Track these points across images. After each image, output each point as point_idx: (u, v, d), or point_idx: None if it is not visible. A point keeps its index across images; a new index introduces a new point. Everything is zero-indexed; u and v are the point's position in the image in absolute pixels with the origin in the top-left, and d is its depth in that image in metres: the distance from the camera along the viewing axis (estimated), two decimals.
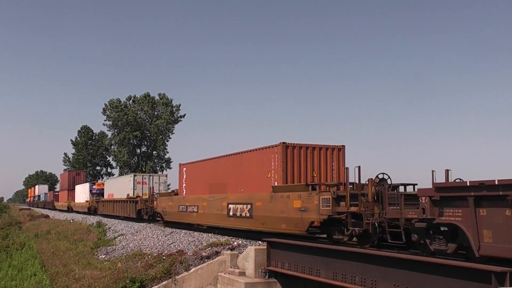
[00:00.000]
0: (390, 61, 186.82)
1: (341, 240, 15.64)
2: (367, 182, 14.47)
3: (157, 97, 75.06)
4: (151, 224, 33.75)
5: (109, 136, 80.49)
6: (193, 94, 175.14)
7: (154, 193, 35.75)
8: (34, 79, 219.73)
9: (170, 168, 75.88)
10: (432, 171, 12.89)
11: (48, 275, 23.06)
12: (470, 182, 10.71)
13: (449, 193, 11.30)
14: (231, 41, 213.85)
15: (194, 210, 25.44)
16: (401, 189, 15.17)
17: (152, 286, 18.08)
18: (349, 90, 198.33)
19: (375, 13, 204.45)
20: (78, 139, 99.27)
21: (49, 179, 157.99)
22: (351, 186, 15.66)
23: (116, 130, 74.39)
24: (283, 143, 18.90)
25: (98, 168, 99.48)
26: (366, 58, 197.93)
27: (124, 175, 52.14)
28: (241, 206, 20.75)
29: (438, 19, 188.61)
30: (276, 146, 19.22)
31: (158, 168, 74.51)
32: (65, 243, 32.86)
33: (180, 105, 75.02)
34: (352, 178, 15.96)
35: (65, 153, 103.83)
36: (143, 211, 35.91)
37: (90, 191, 55.30)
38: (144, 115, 74.17)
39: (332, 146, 19.85)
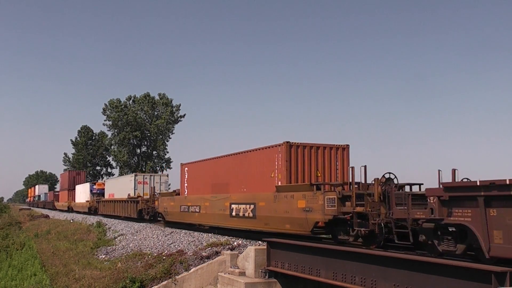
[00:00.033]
0: (390, 61, 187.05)
1: (347, 240, 15.37)
2: (373, 182, 14.21)
3: (157, 97, 75.07)
4: (151, 224, 33.71)
5: (109, 136, 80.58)
6: (193, 94, 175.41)
7: (156, 193, 35.45)
8: (34, 79, 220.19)
9: (170, 168, 76.00)
10: (439, 170, 12.72)
11: (48, 275, 23.01)
12: (480, 181, 10.45)
13: (459, 193, 11.05)
14: (231, 41, 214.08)
15: (196, 210, 25.21)
16: (407, 188, 14.87)
17: (152, 286, 18.04)
18: (349, 90, 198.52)
19: (375, 13, 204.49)
20: (78, 139, 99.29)
21: (49, 179, 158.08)
22: (356, 186, 15.42)
23: (116, 130, 74.38)
24: (287, 142, 18.68)
25: (98, 168, 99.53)
26: (366, 58, 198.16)
27: (125, 175, 51.90)
28: (244, 206, 20.51)
29: (438, 19, 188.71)
30: (279, 146, 18.98)
31: (158, 168, 74.52)
32: (65, 243, 32.82)
33: (180, 105, 75.10)
34: (357, 178, 15.77)
35: (65, 153, 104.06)
36: (144, 211, 35.59)
37: (91, 191, 55.17)
38: (144, 115, 74.16)
39: (336, 145, 19.61)
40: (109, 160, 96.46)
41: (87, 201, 55.50)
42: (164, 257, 20.25)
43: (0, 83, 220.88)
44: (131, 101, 74.92)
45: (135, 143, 75.23)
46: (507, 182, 9.90)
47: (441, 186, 11.67)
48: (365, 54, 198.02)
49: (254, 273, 16.48)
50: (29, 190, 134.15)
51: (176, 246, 22.23)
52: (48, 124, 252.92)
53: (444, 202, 11.39)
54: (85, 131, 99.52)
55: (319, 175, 19.07)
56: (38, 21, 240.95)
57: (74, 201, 64.90)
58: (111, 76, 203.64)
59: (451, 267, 10.31)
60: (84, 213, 56.15)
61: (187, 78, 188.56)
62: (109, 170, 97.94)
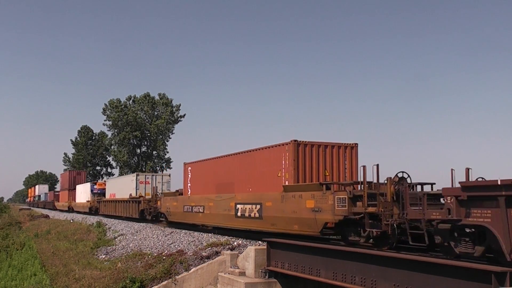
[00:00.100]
0: (390, 61, 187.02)
1: (358, 242, 14.94)
2: (385, 181, 13.69)
3: (157, 97, 75.08)
4: (151, 224, 33.66)
5: (109, 136, 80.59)
6: (193, 94, 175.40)
7: (158, 193, 35.03)
8: (34, 79, 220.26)
9: (170, 168, 76.01)
10: (452, 169, 12.36)
11: (48, 275, 23.02)
12: (501, 180, 10.05)
13: (478, 193, 10.61)
14: (231, 41, 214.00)
15: (200, 210, 24.75)
16: (418, 188, 14.59)
17: (152, 286, 18.04)
18: (349, 90, 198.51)
19: (375, 13, 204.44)
20: (78, 139, 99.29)
21: (49, 179, 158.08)
22: (367, 185, 14.77)
23: (116, 130, 74.38)
24: (294, 140, 18.23)
25: (98, 168, 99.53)
26: (366, 58, 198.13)
27: (127, 175, 51.62)
28: (249, 206, 20.06)
29: (438, 19, 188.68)
30: (287, 144, 18.51)
31: (158, 168, 74.50)
32: (65, 243, 32.82)
33: (180, 105, 75.10)
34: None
35: (65, 153, 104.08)
36: (146, 212, 35.13)
37: (91, 191, 54.83)
38: (144, 115, 74.15)
39: (345, 144, 19.13)
40: (109, 160, 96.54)
41: (88, 201, 55.23)
42: (164, 257, 20.24)
43: (0, 83, 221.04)
44: (131, 101, 74.94)
45: (135, 143, 75.23)
46: None
47: (459, 185, 11.22)
48: (365, 54, 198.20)
49: (254, 273, 16.48)
50: (29, 190, 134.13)
51: (176, 246, 22.22)
52: (48, 124, 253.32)
53: (462, 202, 10.99)
54: (85, 131, 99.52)
55: (327, 174, 18.64)
56: (38, 21, 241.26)
57: (75, 201, 64.75)
58: (111, 76, 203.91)
59: (451, 267, 10.32)
60: (85, 213, 55.90)
61: (187, 78, 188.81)
62: (109, 170, 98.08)
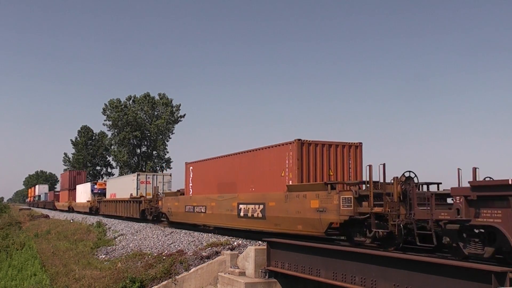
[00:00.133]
0: (390, 61, 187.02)
1: (363, 242, 14.73)
2: (392, 181, 13.48)
3: (157, 97, 75.13)
4: (151, 224, 33.63)
5: (109, 136, 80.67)
6: (193, 94, 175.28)
7: (159, 193, 34.76)
8: (34, 79, 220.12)
9: (170, 168, 76.04)
10: (458, 169, 12.18)
11: (48, 275, 23.01)
12: None
13: (488, 192, 10.45)
14: (231, 41, 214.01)
15: (202, 210, 24.53)
16: (423, 188, 14.44)
17: (152, 286, 18.04)
18: (349, 90, 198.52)
19: (375, 13, 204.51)
20: (78, 139, 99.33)
21: (49, 179, 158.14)
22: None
23: (116, 130, 74.40)
24: (298, 140, 18.00)
25: (98, 168, 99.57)
26: (366, 58, 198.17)
27: (128, 175, 51.43)
28: (252, 206, 19.82)
29: (438, 19, 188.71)
30: (290, 144, 18.29)
31: (158, 168, 74.53)
32: (65, 243, 32.81)
33: (180, 105, 75.16)
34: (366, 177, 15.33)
35: (65, 153, 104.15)
36: (147, 212, 34.87)
37: (92, 191, 54.62)
38: (144, 115, 74.19)
39: (349, 143, 18.91)
40: (109, 160, 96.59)
41: (88, 201, 55.05)
42: (164, 257, 20.24)
43: (0, 83, 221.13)
44: (131, 101, 74.99)
45: (135, 143, 75.25)
46: None
47: (467, 185, 11.06)
48: (365, 54, 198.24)
49: (254, 273, 16.48)
50: (29, 190, 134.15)
51: (176, 246, 22.22)
52: (48, 124, 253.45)
53: (471, 202, 10.84)
54: (85, 131, 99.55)
55: (332, 174, 18.40)
56: (38, 21, 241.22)
57: (75, 201, 64.64)
58: (111, 76, 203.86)
59: (451, 267, 10.31)
60: (85, 213, 55.77)
61: (187, 78, 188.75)
62: (109, 170, 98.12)
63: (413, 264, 11.15)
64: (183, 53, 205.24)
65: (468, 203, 10.89)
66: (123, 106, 73.41)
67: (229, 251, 18.30)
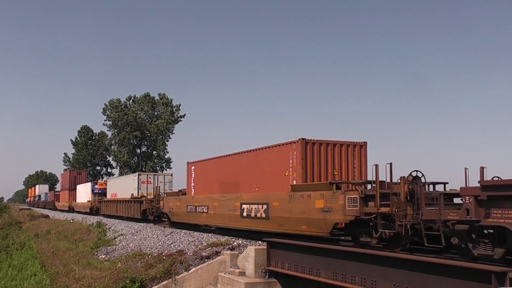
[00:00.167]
0: (390, 61, 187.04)
1: (369, 243, 14.46)
2: (399, 181, 13.24)
3: (157, 97, 75.14)
4: (152, 224, 33.61)
5: (109, 136, 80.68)
6: (193, 94, 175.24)
7: (160, 193, 34.52)
8: (34, 79, 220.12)
9: (170, 168, 76.07)
10: (465, 168, 11.99)
11: (48, 275, 23.02)
12: None
13: (499, 192, 10.21)
14: (231, 41, 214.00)
15: (204, 210, 24.32)
16: (430, 188, 14.34)
17: (152, 286, 18.05)
18: (349, 90, 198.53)
19: (375, 13, 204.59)
20: (78, 139, 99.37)
21: (49, 179, 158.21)
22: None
23: (116, 130, 74.41)
24: (302, 139, 17.78)
25: (98, 168, 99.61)
26: (366, 58, 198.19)
27: (128, 174, 51.20)
28: (256, 206, 19.61)
29: (438, 19, 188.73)
30: (294, 143, 18.06)
31: (158, 168, 74.56)
32: (65, 243, 32.82)
33: (180, 105, 75.17)
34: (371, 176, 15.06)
35: (65, 153, 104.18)
36: (148, 212, 34.65)
37: (92, 190, 54.42)
38: (144, 115, 74.20)
39: (354, 142, 18.69)
40: (109, 160, 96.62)
41: (89, 201, 54.90)
42: (164, 257, 20.25)
43: (0, 83, 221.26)
44: (131, 101, 75.00)
45: (135, 143, 75.27)
46: None
47: (478, 184, 10.86)
48: (365, 54, 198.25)
49: (254, 273, 16.48)
50: (29, 190, 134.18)
51: (176, 246, 22.22)
52: (48, 124, 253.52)
53: (481, 202, 10.64)
54: (85, 131, 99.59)
55: (336, 173, 18.19)
56: (38, 21, 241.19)
57: (75, 201, 64.57)
58: (111, 76, 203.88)
59: (451, 267, 10.31)
60: (86, 213, 55.69)
61: (187, 78, 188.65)
62: (109, 170, 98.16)
63: (413, 264, 11.15)
64: (183, 53, 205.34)
65: (478, 203, 10.71)
66: (123, 106, 73.43)
67: (229, 251, 18.30)
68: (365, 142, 18.88)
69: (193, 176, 26.85)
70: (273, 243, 16.62)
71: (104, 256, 25.67)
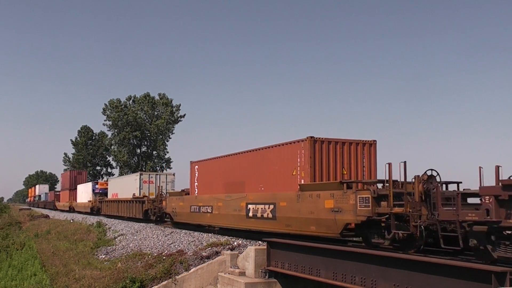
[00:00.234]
0: (390, 61, 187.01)
1: (381, 244, 14.05)
2: (413, 180, 12.85)
3: (157, 97, 75.19)
4: (152, 224, 33.58)
5: (109, 136, 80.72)
6: (193, 94, 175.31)
7: (163, 193, 34.23)
8: (34, 79, 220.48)
9: (170, 168, 76.08)
10: (480, 167, 11.70)
11: (48, 275, 23.03)
12: None
13: None
14: (231, 41, 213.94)
15: (208, 210, 23.89)
16: (443, 187, 13.97)
17: (152, 286, 18.04)
18: (349, 90, 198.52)
19: (375, 13, 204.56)
20: (78, 139, 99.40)
21: (49, 179, 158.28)
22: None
23: (116, 130, 74.44)
24: (311, 137, 17.34)
25: (98, 168, 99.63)
26: (366, 58, 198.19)
27: (130, 174, 50.91)
28: (262, 206, 19.16)
29: (438, 19, 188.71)
30: (302, 141, 17.65)
31: (158, 168, 74.57)
32: (65, 243, 32.82)
33: (180, 105, 75.27)
34: (380, 175, 14.87)
35: (65, 153, 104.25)
36: (150, 212, 34.38)
37: (93, 190, 54.11)
38: (144, 115, 74.23)
39: (363, 141, 18.29)
40: (109, 160, 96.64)
41: (89, 201, 54.61)
42: (164, 257, 20.24)
43: (0, 83, 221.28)
44: (131, 101, 75.05)
45: (135, 143, 75.30)
46: None
47: (499, 184, 10.49)
48: (365, 54, 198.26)
49: (254, 273, 16.47)
50: (30, 190, 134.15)
51: (176, 246, 22.22)
52: (48, 124, 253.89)
53: (502, 202, 10.27)
54: (85, 131, 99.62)
55: (345, 172, 17.79)
56: (38, 21, 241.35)
57: (76, 201, 64.42)
58: (111, 76, 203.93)
59: (451, 267, 10.30)
60: (86, 213, 55.50)
61: (187, 78, 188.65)
62: (109, 170, 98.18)
63: (413, 264, 11.14)
64: (183, 53, 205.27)
65: (499, 203, 10.36)
66: (123, 106, 73.45)
67: (229, 251, 18.29)
68: (375, 141, 18.54)
69: (196, 175, 26.45)
70: (273, 243, 16.61)
71: (104, 256, 25.67)
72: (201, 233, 24.33)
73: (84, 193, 58.93)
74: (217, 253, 18.70)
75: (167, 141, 75.26)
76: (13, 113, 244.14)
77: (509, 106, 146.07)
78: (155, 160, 75.97)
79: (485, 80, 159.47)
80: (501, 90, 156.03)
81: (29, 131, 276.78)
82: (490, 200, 10.46)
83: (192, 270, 18.01)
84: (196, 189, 26.40)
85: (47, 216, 63.43)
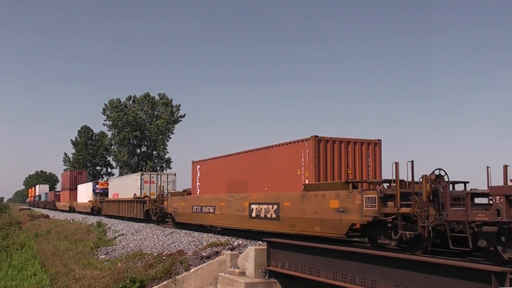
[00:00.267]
0: (390, 61, 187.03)
1: (388, 245, 13.84)
2: (420, 180, 12.66)
3: (157, 97, 75.19)
4: (152, 224, 33.56)
5: (109, 136, 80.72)
6: (193, 94, 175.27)
7: (165, 193, 34.08)
8: (34, 79, 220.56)
9: (170, 168, 76.07)
10: (487, 167, 11.56)
11: (48, 275, 23.03)
12: None
13: None
14: (231, 41, 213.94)
15: (210, 210, 23.69)
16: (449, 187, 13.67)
17: (152, 286, 18.04)
18: (349, 90, 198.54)
19: (375, 13, 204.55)
20: (78, 139, 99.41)
21: (49, 179, 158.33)
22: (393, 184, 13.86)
23: (116, 130, 74.45)
24: (315, 136, 17.18)
25: (98, 168, 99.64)
26: (366, 58, 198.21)
27: (131, 174, 50.86)
28: (265, 206, 18.97)
29: (438, 19, 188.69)
30: (307, 140, 17.45)
31: (158, 168, 74.57)
32: (65, 243, 32.82)
33: (180, 105, 75.27)
34: (386, 175, 14.76)
35: (65, 153, 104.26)
36: (151, 212, 34.20)
37: (93, 190, 53.93)
38: (144, 115, 74.23)
39: (368, 140, 18.09)
40: (109, 160, 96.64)
41: (90, 201, 54.46)
42: (164, 257, 20.24)
43: (0, 83, 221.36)
44: (131, 101, 75.05)
45: (135, 143, 75.30)
46: None
47: (510, 183, 10.39)
48: (365, 54, 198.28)
49: (254, 273, 16.47)
50: (30, 190, 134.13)
51: (176, 246, 22.21)
52: (48, 124, 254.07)
53: None
54: (85, 131, 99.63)
55: (350, 172, 17.60)
56: (38, 21, 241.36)
57: (76, 201, 64.33)
58: (111, 76, 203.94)
59: (451, 267, 10.30)
60: (87, 213, 55.40)
61: (187, 78, 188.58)
62: (109, 170, 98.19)
63: (413, 264, 11.14)
64: (183, 53, 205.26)
65: (510, 203, 10.26)
66: (123, 106, 73.45)
67: (229, 251, 18.29)
68: (380, 140, 18.37)
69: (198, 175, 26.23)
70: (273, 243, 16.61)
71: (104, 256, 25.67)
72: (201, 233, 24.31)
73: (85, 193, 58.85)
74: (217, 253, 18.70)
75: (167, 141, 75.34)
76: (13, 113, 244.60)
77: (509, 106, 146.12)
78: (155, 160, 75.98)
79: (485, 80, 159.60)
80: (501, 90, 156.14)
81: (29, 131, 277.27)
82: (501, 200, 10.30)
83: (192, 270, 18.01)
84: (198, 189, 26.20)
85: (47, 216, 63.42)
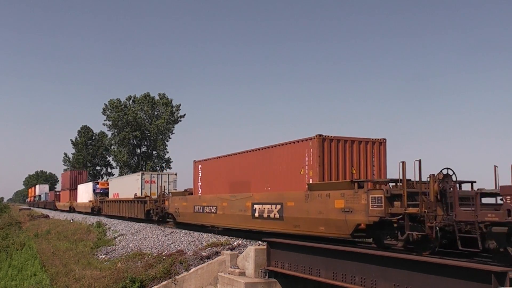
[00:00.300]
0: (390, 61, 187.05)
1: (394, 246, 13.68)
2: (428, 179, 12.43)
3: (157, 97, 75.24)
4: (151, 224, 33.56)
5: (109, 136, 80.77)
6: (193, 94, 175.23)
7: (166, 193, 33.94)
8: (34, 79, 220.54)
9: (170, 168, 76.12)
10: (495, 166, 11.43)
11: (48, 275, 23.03)
12: None
13: None
14: (231, 41, 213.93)
15: (212, 210, 23.48)
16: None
17: (152, 286, 18.04)
18: (349, 90, 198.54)
19: (375, 13, 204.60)
20: (78, 139, 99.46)
21: (49, 179, 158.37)
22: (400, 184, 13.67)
23: (116, 130, 74.49)
24: (319, 135, 16.96)
25: (98, 168, 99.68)
26: (366, 58, 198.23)
27: (131, 174, 50.74)
28: (269, 206, 18.80)
29: (438, 19, 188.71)
30: (311, 139, 17.21)
31: (158, 168, 74.59)
32: (65, 243, 32.83)
33: (180, 105, 75.36)
34: (391, 175, 14.59)
35: (65, 153, 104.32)
36: (152, 212, 34.06)
37: (94, 190, 53.76)
38: (144, 115, 74.28)
39: (373, 139, 17.86)
40: (109, 160, 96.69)
41: (90, 201, 54.32)
42: (164, 257, 20.24)
43: (0, 83, 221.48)
44: (131, 101, 75.10)
45: (135, 143, 75.34)
46: None
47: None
48: (365, 54, 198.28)
49: (254, 273, 16.46)
50: (30, 190, 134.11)
51: (176, 246, 22.22)
52: (48, 124, 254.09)
53: None
54: (85, 131, 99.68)
55: (354, 172, 17.38)
56: (38, 21, 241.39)
57: (76, 201, 64.25)
58: (111, 76, 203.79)
59: (451, 267, 10.28)
60: (87, 213, 55.32)
61: (187, 78, 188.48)
62: (109, 170, 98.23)
63: (413, 264, 11.12)
64: (183, 53, 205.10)
65: None
66: (123, 106, 73.49)
67: (229, 251, 18.29)
68: (385, 139, 18.13)
69: (200, 175, 26.00)
70: (273, 243, 16.60)
71: (104, 256, 25.67)
72: (201, 233, 24.30)
73: (85, 193, 58.77)
74: (217, 253, 18.70)
75: (167, 141, 75.41)
76: (13, 113, 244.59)
77: (509, 106, 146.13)
78: (155, 160, 76.04)
79: (485, 80, 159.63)
80: (501, 90, 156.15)
81: (29, 131, 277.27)
82: None
83: (192, 270, 18.01)
84: (199, 189, 26.00)
85: (47, 216, 63.41)
